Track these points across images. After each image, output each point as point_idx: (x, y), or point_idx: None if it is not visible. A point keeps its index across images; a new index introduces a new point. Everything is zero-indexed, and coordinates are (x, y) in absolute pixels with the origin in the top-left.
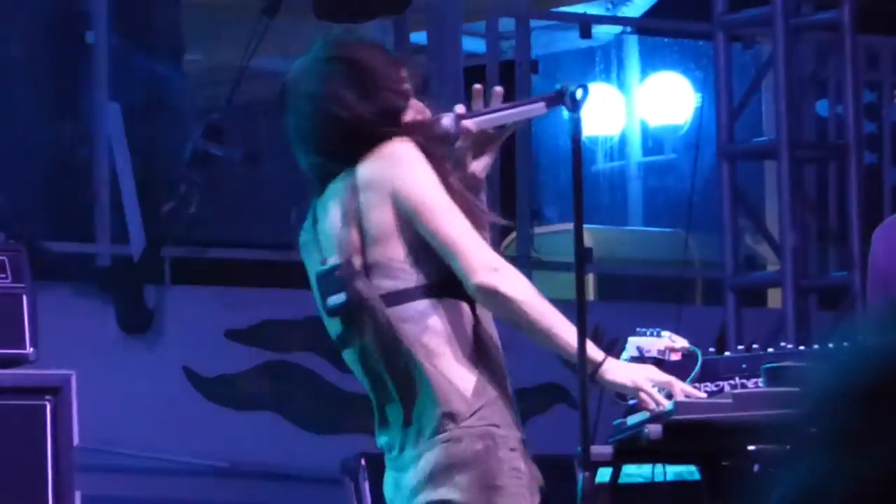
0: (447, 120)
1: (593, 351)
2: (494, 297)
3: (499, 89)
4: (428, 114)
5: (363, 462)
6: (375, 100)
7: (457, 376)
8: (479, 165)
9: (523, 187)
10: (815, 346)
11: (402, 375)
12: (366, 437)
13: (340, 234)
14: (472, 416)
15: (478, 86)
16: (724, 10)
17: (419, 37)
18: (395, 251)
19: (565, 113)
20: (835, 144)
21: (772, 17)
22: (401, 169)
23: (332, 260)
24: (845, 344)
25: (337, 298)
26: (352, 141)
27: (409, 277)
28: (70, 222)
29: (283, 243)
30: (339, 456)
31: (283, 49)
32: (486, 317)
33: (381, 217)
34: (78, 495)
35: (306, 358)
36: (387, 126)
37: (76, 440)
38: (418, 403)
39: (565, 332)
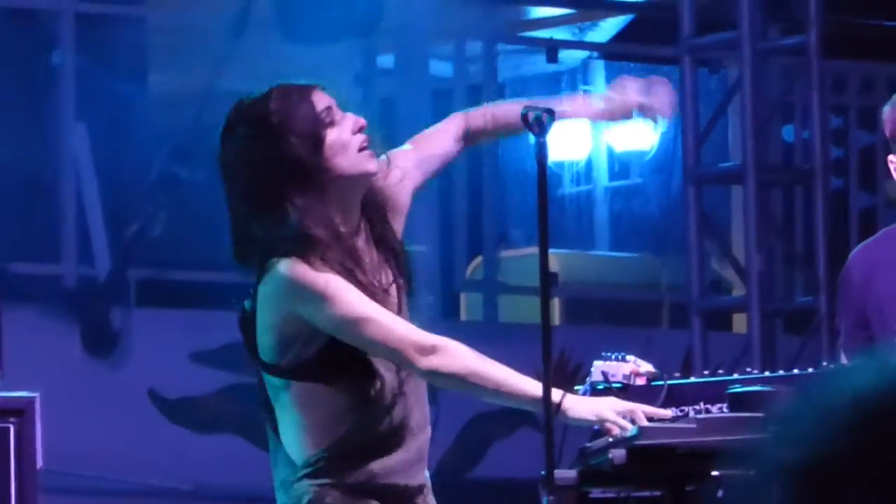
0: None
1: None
2: (438, 379)
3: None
4: (360, 122)
5: None
6: (284, 158)
7: (294, 448)
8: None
9: (490, 210)
10: (781, 372)
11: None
12: None
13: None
14: (298, 480)
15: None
16: (691, 34)
17: (386, 59)
18: (268, 337)
19: (532, 137)
20: (801, 169)
21: (738, 42)
22: (296, 297)
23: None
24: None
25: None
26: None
27: (275, 358)
28: (35, 243)
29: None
30: None
31: (250, 70)
32: (359, 397)
33: (266, 315)
34: None
35: None
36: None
37: (40, 462)
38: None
39: (514, 386)
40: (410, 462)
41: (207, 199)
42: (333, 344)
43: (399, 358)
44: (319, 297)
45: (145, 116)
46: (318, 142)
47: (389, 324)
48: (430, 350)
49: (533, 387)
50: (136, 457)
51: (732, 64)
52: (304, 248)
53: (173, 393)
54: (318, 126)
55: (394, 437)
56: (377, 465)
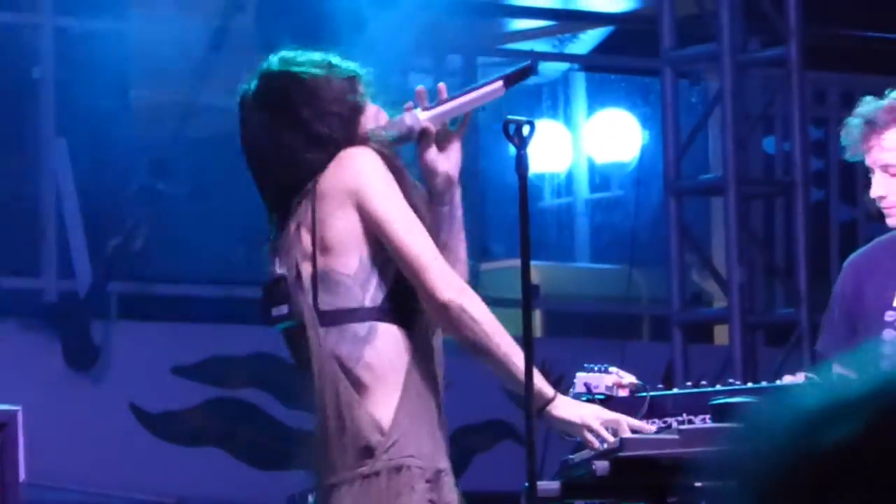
0: (409, 118)
1: (544, 386)
2: (460, 316)
3: (442, 85)
4: (385, 117)
5: (310, 498)
6: (326, 116)
7: (379, 407)
8: (449, 164)
9: (470, 223)
10: (764, 384)
11: (326, 399)
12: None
13: (292, 243)
14: (389, 448)
15: (420, 87)
16: (672, 46)
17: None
18: (347, 264)
19: (512, 149)
20: (782, 181)
21: (719, 54)
22: (364, 178)
23: (280, 270)
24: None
25: (279, 310)
26: (305, 165)
27: (354, 296)
28: (16, 257)
29: (229, 279)
30: (285, 492)
31: (230, 85)
32: (424, 342)
33: (340, 226)
34: None
35: (252, 394)
36: (341, 140)
37: (22, 476)
38: (337, 430)
39: (520, 361)
40: (446, 430)
41: (188, 213)
42: (400, 276)
43: (425, 279)
44: (381, 185)
45: (126, 130)
46: (353, 122)
47: (430, 244)
48: (459, 287)
49: (538, 376)
50: (118, 470)
51: (713, 76)
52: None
53: (155, 406)
54: (356, 109)
55: (439, 384)
56: (436, 433)
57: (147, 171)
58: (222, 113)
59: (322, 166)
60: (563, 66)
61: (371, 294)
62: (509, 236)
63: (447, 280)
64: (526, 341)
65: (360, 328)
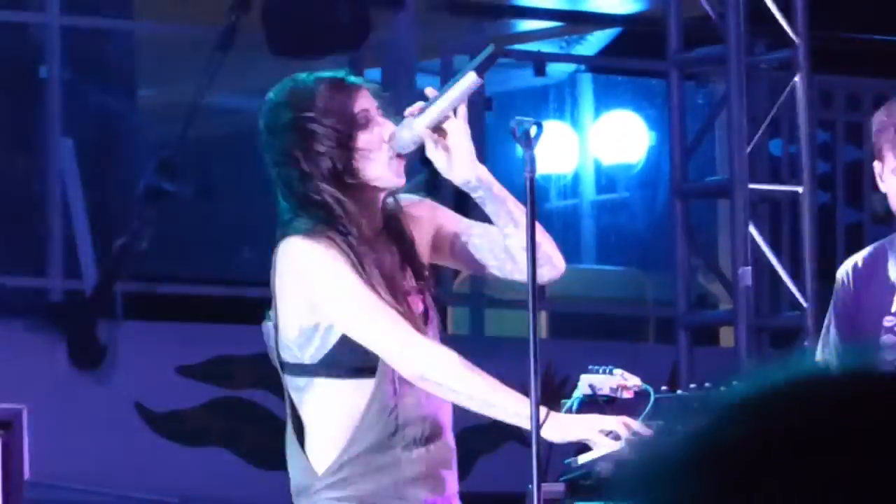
0: (406, 130)
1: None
2: (425, 384)
3: (429, 89)
4: (389, 130)
5: None
6: (320, 124)
7: (316, 451)
8: (458, 155)
9: None
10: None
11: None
12: None
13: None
14: (318, 491)
15: (429, 88)
16: (678, 48)
17: (374, 74)
18: (287, 330)
19: (519, 150)
20: (788, 184)
21: (726, 56)
22: (304, 270)
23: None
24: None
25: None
26: (300, 175)
27: (294, 354)
28: (22, 257)
29: (235, 279)
30: (289, 492)
31: (237, 85)
32: (381, 391)
33: (281, 305)
34: None
35: (257, 394)
36: (335, 153)
37: (27, 475)
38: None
39: (501, 401)
40: (425, 473)
41: (194, 213)
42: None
43: (387, 355)
44: (324, 275)
45: (133, 130)
46: (348, 140)
47: (384, 318)
48: (420, 354)
49: (520, 402)
50: (122, 469)
51: (720, 78)
52: (319, 223)
53: (160, 406)
54: (351, 126)
55: (402, 442)
56: (387, 476)
57: (154, 170)
58: (229, 113)
59: (314, 184)
60: (570, 67)
61: (310, 353)
62: None
63: (401, 353)
64: (532, 343)
65: (300, 381)
